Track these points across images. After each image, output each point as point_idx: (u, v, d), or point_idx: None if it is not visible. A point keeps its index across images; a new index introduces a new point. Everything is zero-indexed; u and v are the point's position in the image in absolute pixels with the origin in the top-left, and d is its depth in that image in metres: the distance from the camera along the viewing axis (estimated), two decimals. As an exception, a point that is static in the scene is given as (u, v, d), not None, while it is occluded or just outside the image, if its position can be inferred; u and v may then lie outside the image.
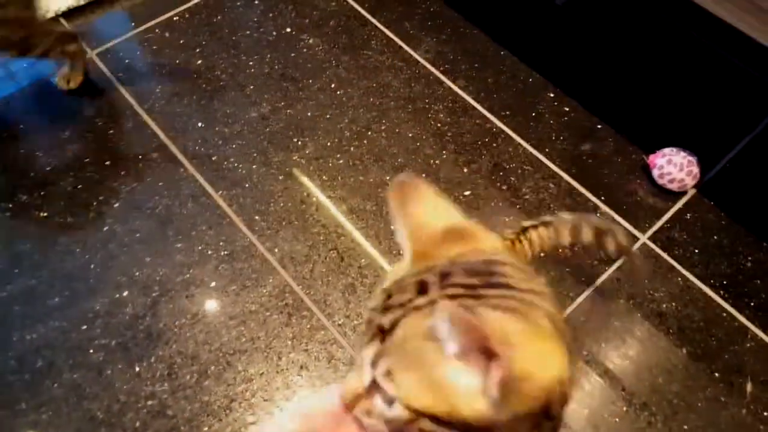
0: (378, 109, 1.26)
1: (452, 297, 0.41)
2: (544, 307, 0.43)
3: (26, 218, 1.09)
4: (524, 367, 0.38)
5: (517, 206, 1.12)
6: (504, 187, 1.13)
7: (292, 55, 1.34)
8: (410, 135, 1.21)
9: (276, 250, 1.07)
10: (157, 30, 1.37)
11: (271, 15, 1.40)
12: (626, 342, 0.98)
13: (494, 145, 1.19)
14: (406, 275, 0.45)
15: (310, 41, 1.36)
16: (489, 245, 0.48)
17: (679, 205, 1.12)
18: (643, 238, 1.08)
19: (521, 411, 0.39)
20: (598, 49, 1.35)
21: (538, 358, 0.40)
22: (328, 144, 1.20)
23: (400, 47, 1.35)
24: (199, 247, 1.07)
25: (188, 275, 1.03)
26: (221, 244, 1.07)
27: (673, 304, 1.01)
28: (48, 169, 1.15)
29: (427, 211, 0.49)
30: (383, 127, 1.23)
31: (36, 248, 1.06)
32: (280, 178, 1.16)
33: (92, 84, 1.27)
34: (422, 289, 0.43)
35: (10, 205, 1.10)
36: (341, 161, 1.18)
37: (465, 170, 1.16)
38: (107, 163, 1.16)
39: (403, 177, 0.50)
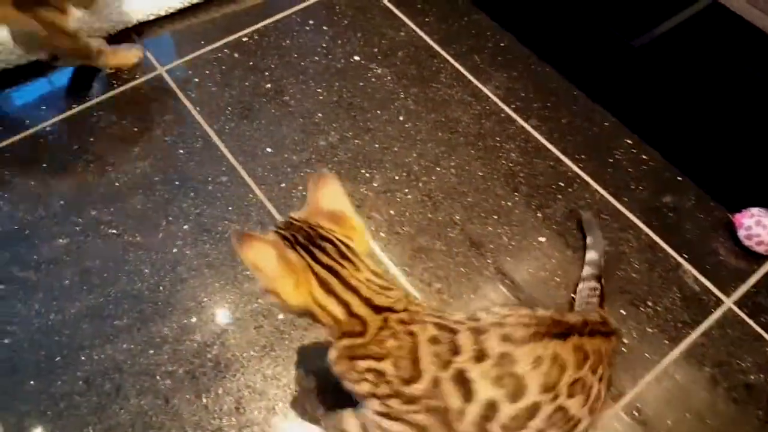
0: (447, 144, 1.27)
1: (293, 235, 0.69)
2: (322, 262, 0.68)
3: (96, 234, 1.11)
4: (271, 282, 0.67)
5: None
6: (580, 236, 1.13)
7: (360, 84, 1.36)
8: (480, 173, 1.22)
9: (344, 285, 1.08)
10: (226, 50, 1.40)
11: (339, 42, 1.43)
12: (710, 415, 0.97)
13: (569, 190, 1.19)
14: (293, 218, 0.72)
15: (379, 71, 1.38)
16: (349, 233, 0.72)
17: (767, 268, 1.11)
18: (728, 302, 1.07)
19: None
20: (678, 95, 1.35)
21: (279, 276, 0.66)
22: (396, 177, 1.22)
23: (470, 81, 1.37)
24: (267, 276, 1.08)
25: (257, 305, 1.04)
26: (289, 274, 1.09)
27: (761, 375, 1.00)
28: (117, 185, 1.18)
29: (327, 196, 0.73)
30: (452, 164, 1.24)
31: (105, 266, 1.08)
32: (348, 210, 1.17)
33: (162, 101, 1.30)
34: (287, 226, 0.71)
35: (80, 220, 1.13)
36: (409, 196, 1.19)
37: (538, 214, 1.16)
38: (176, 182, 1.19)
39: (324, 171, 0.74)
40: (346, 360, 0.71)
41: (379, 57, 1.41)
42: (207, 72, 1.36)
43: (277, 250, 0.67)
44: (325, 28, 1.46)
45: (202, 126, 1.27)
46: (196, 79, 1.35)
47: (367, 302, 0.69)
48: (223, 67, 1.37)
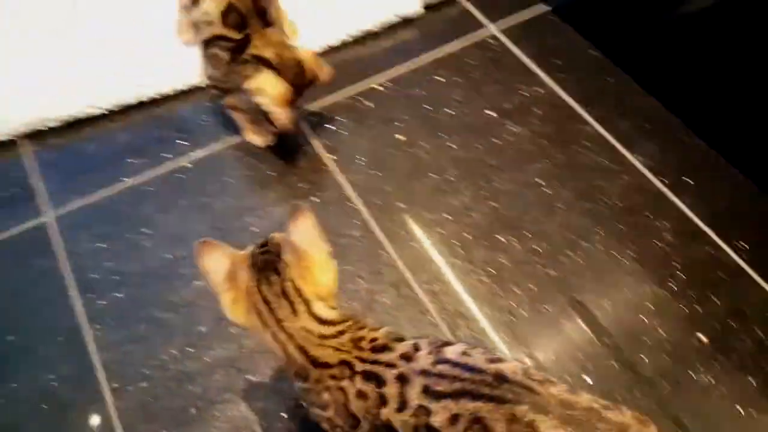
0: (591, 215, 1.21)
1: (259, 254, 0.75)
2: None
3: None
4: None
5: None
6: (748, 341, 1.05)
7: (495, 141, 1.33)
8: (629, 252, 1.16)
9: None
10: (359, 97, 1.40)
11: (473, 95, 1.41)
12: None
13: (733, 285, 1.11)
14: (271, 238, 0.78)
15: (514, 129, 1.35)
16: (303, 273, 0.74)
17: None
18: None
19: None
20: None
21: None
22: (537, 249, 1.17)
23: (615, 147, 1.31)
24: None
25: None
26: (422, 344, 1.05)
27: None
28: (252, 230, 1.18)
29: (299, 230, 0.77)
30: (598, 238, 1.18)
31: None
32: (483, 279, 1.13)
33: (297, 146, 1.31)
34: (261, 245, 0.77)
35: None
36: (552, 272, 1.14)
37: (698, 308, 1.08)
38: (308, 233, 1.18)
39: (303, 205, 0.78)
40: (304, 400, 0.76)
41: (515, 114, 1.37)
42: (340, 118, 1.36)
43: (231, 263, 0.73)
44: (458, 80, 1.43)
45: (334, 175, 1.27)
46: (330, 126, 1.35)
47: (302, 350, 0.72)
48: (356, 115, 1.37)
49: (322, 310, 0.74)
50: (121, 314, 1.07)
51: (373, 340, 0.74)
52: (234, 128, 1.32)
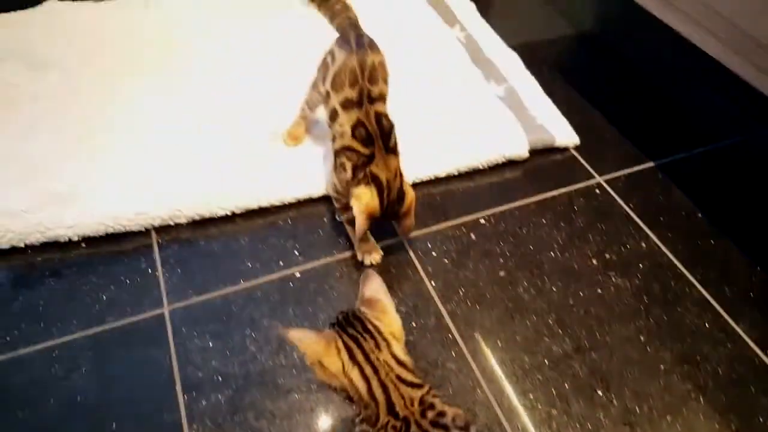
0: (694, 382, 1.21)
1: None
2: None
3: (326, 397, 1.16)
4: None
5: None
6: None
7: (598, 291, 1.37)
8: (732, 425, 1.14)
9: None
10: (464, 228, 1.48)
11: (576, 242, 1.46)
12: None
13: None
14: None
15: (618, 281, 1.39)
16: (379, 316, 0.91)
17: None
18: None
19: None
20: None
21: None
22: (638, 410, 1.17)
23: (720, 314, 1.33)
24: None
25: None
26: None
27: None
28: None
29: (369, 287, 0.95)
30: (701, 407, 1.17)
31: (329, 435, 1.11)
32: (581, 436, 1.14)
33: (402, 270, 1.38)
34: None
35: (312, 377, 1.18)
36: (652, 436, 1.13)
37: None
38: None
39: (372, 272, 0.96)
40: None
41: (618, 266, 1.42)
42: (445, 248, 1.43)
43: (316, 332, 0.88)
44: (562, 224, 1.50)
45: (436, 303, 1.33)
46: (434, 254, 1.42)
47: (384, 389, 0.83)
48: (460, 246, 1.44)
49: (399, 351, 0.88)
50: (219, 417, 1.12)
51: (441, 414, 0.82)
52: (345, 244, 1.41)
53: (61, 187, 1.43)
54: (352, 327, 0.88)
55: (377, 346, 0.87)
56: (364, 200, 1.23)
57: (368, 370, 0.84)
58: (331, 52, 1.34)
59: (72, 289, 1.31)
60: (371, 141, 1.24)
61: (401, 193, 1.26)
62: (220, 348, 1.23)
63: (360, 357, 0.85)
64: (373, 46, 1.31)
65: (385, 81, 1.31)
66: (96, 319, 1.26)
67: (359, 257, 1.38)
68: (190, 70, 1.78)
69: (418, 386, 0.87)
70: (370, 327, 0.88)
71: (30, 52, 1.79)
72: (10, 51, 1.79)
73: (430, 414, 0.83)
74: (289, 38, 1.90)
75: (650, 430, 1.14)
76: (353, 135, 1.25)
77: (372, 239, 1.38)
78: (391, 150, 1.26)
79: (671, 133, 1.75)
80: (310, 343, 0.86)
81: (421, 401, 0.84)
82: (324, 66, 1.36)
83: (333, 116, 1.31)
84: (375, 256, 1.38)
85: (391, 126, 1.27)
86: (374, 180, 1.24)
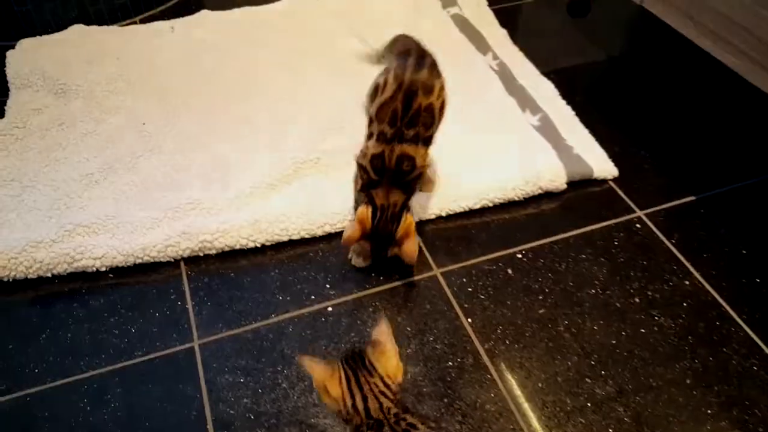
0: (743, 427, 1.18)
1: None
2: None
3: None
4: None
5: None
6: None
7: (642, 330, 1.34)
8: (789, 479, 1.11)
9: None
10: (501, 263, 1.46)
11: (617, 279, 1.44)
12: None
13: None
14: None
15: (661, 320, 1.36)
16: (378, 357, 0.99)
17: None
18: None
19: None
20: None
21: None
22: (687, 458, 1.14)
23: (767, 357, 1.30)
24: None
25: None
26: None
27: None
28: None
29: (376, 330, 1.02)
30: (754, 458, 1.14)
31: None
32: (628, 483, 1.11)
33: (435, 305, 1.37)
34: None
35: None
36: (704, 487, 1.10)
37: None
38: (445, 399, 1.20)
39: (384, 317, 1.04)
40: None
41: (661, 304, 1.39)
42: (481, 284, 1.42)
43: (327, 362, 0.98)
44: (602, 260, 1.48)
45: (473, 341, 1.31)
46: (470, 289, 1.41)
47: (364, 400, 0.94)
48: (497, 282, 1.43)
49: (390, 381, 0.98)
50: (252, 456, 1.11)
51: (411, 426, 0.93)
52: (377, 277, 1.41)
53: (88, 217, 1.44)
54: (353, 361, 0.99)
55: (370, 374, 0.98)
56: (359, 216, 1.31)
57: (355, 389, 0.95)
58: (385, 72, 1.36)
59: (99, 320, 1.31)
60: (383, 173, 1.31)
61: (396, 218, 1.31)
62: (252, 385, 1.22)
63: (353, 384, 0.96)
64: (434, 67, 1.37)
65: (428, 125, 1.34)
66: (125, 353, 1.25)
67: (348, 255, 1.43)
68: (216, 97, 1.79)
69: (396, 401, 0.98)
70: (366, 363, 0.99)
71: (55, 76, 1.82)
72: (36, 76, 1.82)
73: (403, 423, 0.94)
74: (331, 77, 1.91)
75: (701, 481, 1.11)
76: (371, 161, 1.32)
77: (367, 248, 1.38)
78: (401, 185, 1.32)
79: (713, 165, 1.73)
80: (318, 369, 0.97)
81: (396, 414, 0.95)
82: (375, 91, 1.38)
83: (368, 136, 1.37)
84: (360, 261, 1.41)
85: (413, 169, 1.32)
86: (371, 202, 1.31)
